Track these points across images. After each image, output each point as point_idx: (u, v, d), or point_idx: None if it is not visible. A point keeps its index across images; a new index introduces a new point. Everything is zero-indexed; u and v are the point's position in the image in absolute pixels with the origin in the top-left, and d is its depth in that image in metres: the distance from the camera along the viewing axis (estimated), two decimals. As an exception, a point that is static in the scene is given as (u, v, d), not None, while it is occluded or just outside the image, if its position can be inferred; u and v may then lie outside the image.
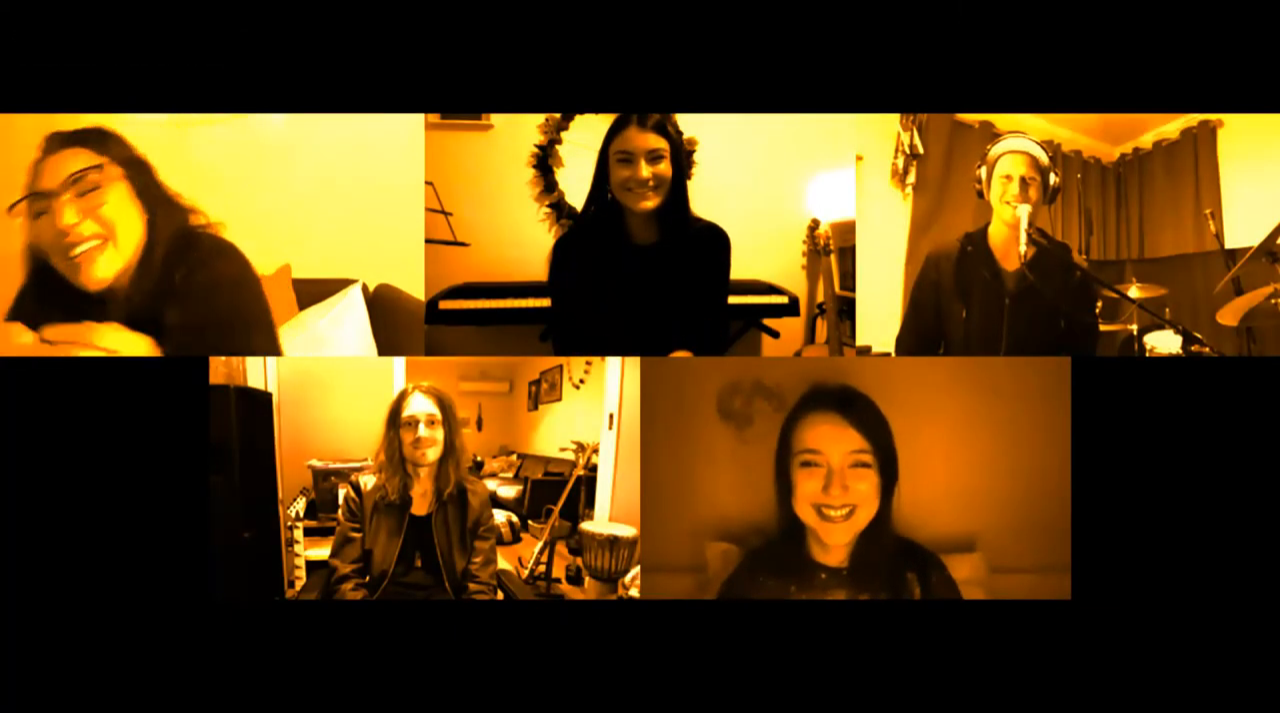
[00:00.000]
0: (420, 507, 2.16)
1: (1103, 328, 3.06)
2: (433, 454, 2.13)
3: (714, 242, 2.14)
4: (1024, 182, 2.14)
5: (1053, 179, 2.18)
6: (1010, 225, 2.17)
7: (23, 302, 1.77)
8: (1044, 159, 2.17)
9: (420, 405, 2.13)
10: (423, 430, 2.11)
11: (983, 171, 2.22)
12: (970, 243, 2.27)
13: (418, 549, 2.14)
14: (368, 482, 2.16)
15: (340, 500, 2.19)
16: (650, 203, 1.99)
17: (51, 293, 1.70)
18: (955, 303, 2.26)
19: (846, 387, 1.77)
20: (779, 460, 1.76)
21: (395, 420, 2.14)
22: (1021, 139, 2.19)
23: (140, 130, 2.50)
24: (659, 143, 1.97)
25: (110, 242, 1.67)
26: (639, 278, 2.05)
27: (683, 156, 2.05)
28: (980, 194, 2.25)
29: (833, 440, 1.70)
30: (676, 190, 2.02)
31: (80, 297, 1.68)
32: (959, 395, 1.93)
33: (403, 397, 2.17)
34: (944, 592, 1.78)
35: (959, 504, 1.91)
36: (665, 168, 1.98)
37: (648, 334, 2.06)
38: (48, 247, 1.66)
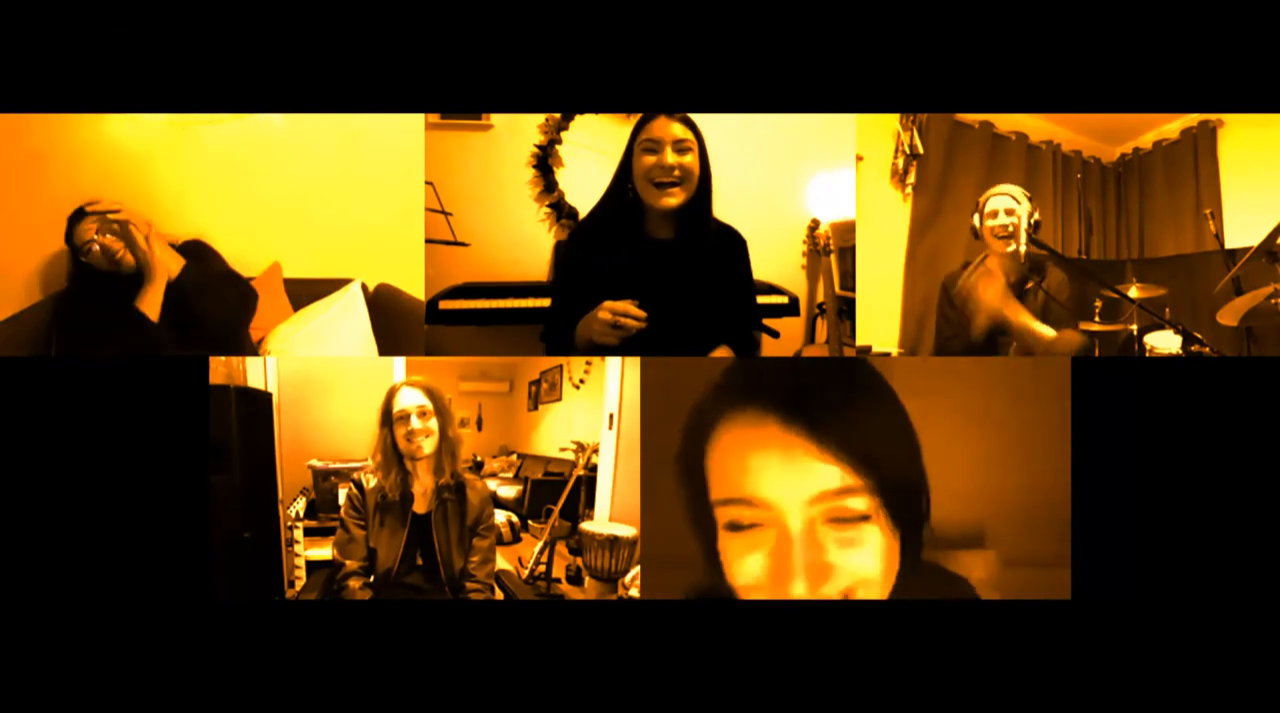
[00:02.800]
0: (421, 504, 2.16)
1: (1103, 328, 3.06)
2: (428, 446, 2.13)
3: (734, 245, 2.13)
4: (1008, 212, 2.45)
5: (1035, 216, 2.46)
6: (1000, 252, 2.48)
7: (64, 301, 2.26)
8: (1024, 199, 2.47)
9: (410, 399, 2.13)
10: (415, 422, 2.11)
11: (976, 218, 2.54)
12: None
13: (418, 548, 2.15)
14: (370, 480, 2.17)
15: (343, 499, 2.20)
16: (674, 200, 1.96)
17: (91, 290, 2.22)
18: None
19: (834, 359, 1.20)
20: (693, 515, 1.09)
21: (387, 418, 2.15)
22: (1006, 194, 2.50)
23: (141, 130, 2.51)
24: (686, 133, 1.95)
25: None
26: (652, 274, 2.00)
27: (708, 158, 2.02)
28: (976, 234, 2.57)
29: (781, 480, 0.94)
30: (702, 190, 1.99)
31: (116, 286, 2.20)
32: (959, 395, 1.93)
33: (391, 394, 2.17)
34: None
35: (959, 505, 1.90)
36: (691, 161, 1.95)
37: (655, 333, 2.02)
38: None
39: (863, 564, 0.97)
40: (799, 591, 0.95)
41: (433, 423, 2.14)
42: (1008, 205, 2.47)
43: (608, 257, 2.03)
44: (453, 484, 2.17)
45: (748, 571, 0.98)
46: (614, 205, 2.05)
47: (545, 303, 3.08)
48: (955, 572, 1.24)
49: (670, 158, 1.94)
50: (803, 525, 0.95)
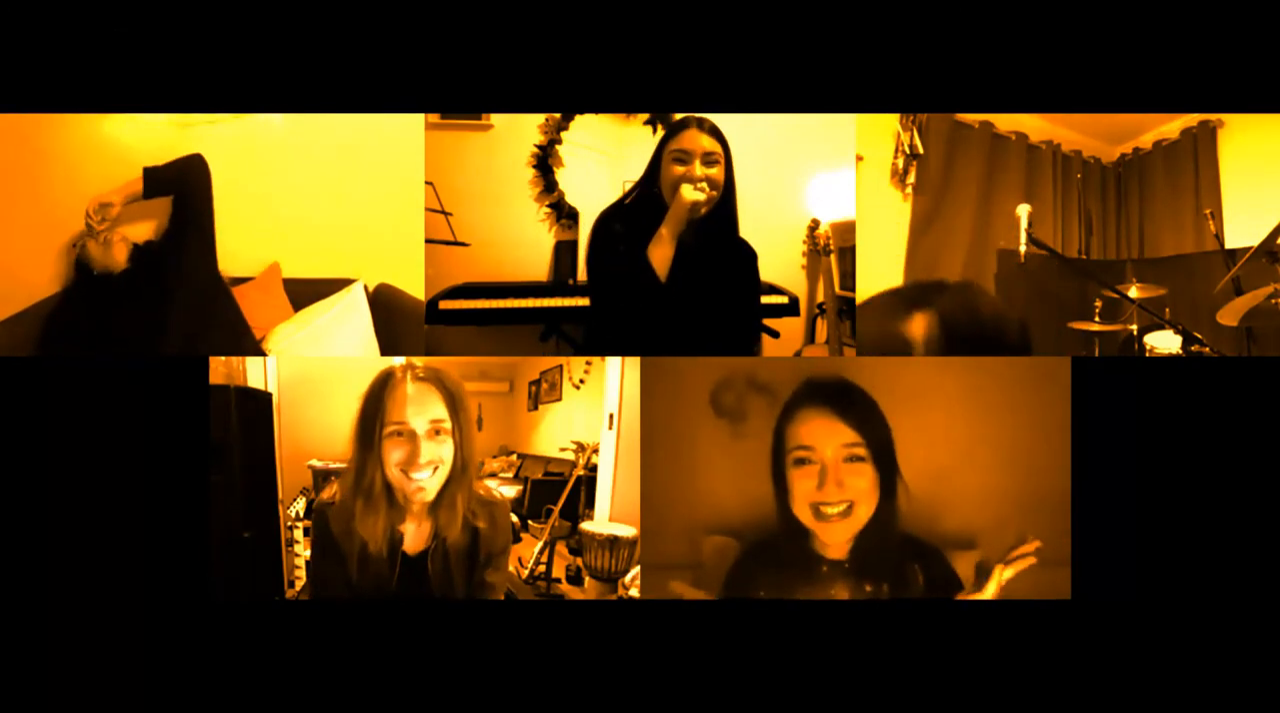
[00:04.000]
0: (414, 544, 1.60)
1: (1103, 328, 3.06)
2: (434, 485, 1.47)
3: (746, 257, 2.15)
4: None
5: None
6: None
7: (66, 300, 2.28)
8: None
9: (418, 406, 1.45)
10: (424, 449, 1.44)
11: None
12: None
13: (411, 592, 1.65)
14: (339, 518, 1.56)
15: (311, 535, 1.66)
16: (699, 209, 1.99)
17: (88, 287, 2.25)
18: None
19: (840, 379, 1.76)
20: (774, 459, 1.75)
21: (373, 428, 1.45)
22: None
23: (141, 130, 2.51)
24: (714, 146, 2.00)
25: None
26: (673, 271, 1.99)
27: (733, 168, 2.05)
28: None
29: (825, 436, 1.68)
30: (725, 198, 2.03)
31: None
32: (959, 395, 1.93)
33: (386, 388, 1.48)
34: (946, 584, 1.77)
35: (959, 503, 1.91)
36: (718, 173, 2.00)
37: (672, 333, 2.04)
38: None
39: (859, 485, 1.67)
40: (830, 494, 1.65)
41: (446, 448, 1.47)
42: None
43: (634, 252, 2.01)
44: (461, 530, 1.57)
45: (804, 487, 1.68)
46: (641, 205, 2.07)
47: (545, 303, 3.10)
48: (932, 545, 1.79)
49: (699, 170, 1.98)
50: (831, 460, 1.67)
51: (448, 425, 1.47)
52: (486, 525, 1.59)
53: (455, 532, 1.54)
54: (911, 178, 3.37)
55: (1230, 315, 2.35)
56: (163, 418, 1.98)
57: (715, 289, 2.07)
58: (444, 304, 3.03)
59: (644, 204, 2.06)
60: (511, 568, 2.63)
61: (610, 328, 2.09)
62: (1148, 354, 2.86)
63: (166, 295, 2.24)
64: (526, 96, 2.14)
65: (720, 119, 2.06)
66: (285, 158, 2.66)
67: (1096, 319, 3.06)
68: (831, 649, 1.94)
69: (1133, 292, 2.96)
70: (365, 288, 2.66)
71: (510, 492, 3.43)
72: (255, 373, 2.37)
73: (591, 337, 2.17)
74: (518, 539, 3.19)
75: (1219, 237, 2.91)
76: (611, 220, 2.12)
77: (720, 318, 2.09)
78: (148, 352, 2.15)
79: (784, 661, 1.95)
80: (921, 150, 3.34)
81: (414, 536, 1.58)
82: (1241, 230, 3.00)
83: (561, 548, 2.79)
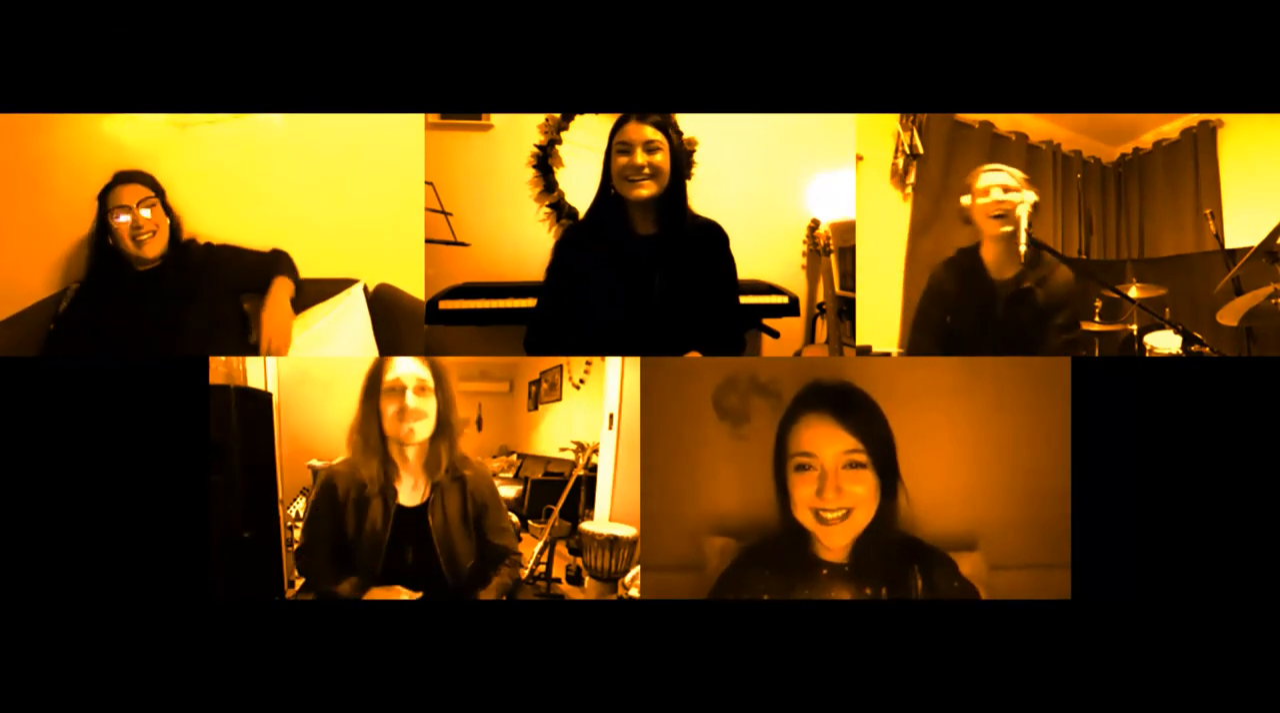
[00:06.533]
0: (410, 498, 1.91)
1: (1103, 328, 3.06)
2: (422, 430, 1.80)
3: (713, 238, 2.17)
4: (1004, 190, 2.20)
5: (1032, 196, 2.19)
6: (996, 238, 2.23)
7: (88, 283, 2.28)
8: (1023, 184, 2.22)
9: (407, 368, 1.80)
10: (410, 399, 1.78)
11: (966, 199, 2.28)
12: (966, 256, 2.35)
13: (410, 544, 1.88)
14: (342, 475, 1.87)
15: (311, 496, 1.91)
16: (645, 191, 2.04)
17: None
18: (954, 308, 2.34)
19: (843, 384, 1.76)
20: (776, 462, 1.76)
21: (374, 388, 1.79)
22: (1000, 170, 2.25)
23: (141, 130, 2.51)
24: (655, 135, 2.04)
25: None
26: (640, 268, 2.08)
27: (681, 156, 2.11)
28: (966, 218, 2.31)
29: (825, 442, 1.69)
30: (674, 184, 2.07)
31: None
32: (959, 395, 1.93)
33: (383, 362, 1.83)
34: (949, 587, 1.77)
35: (959, 503, 1.91)
36: (661, 159, 2.04)
37: (650, 332, 2.06)
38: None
39: (860, 491, 1.69)
40: (829, 500, 1.67)
41: (430, 403, 1.81)
42: (1004, 181, 2.20)
43: (596, 253, 2.10)
44: (448, 480, 1.92)
45: (804, 492, 1.69)
46: (599, 206, 2.13)
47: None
48: (934, 546, 1.79)
49: (640, 158, 2.03)
50: (831, 467, 1.68)
51: (430, 385, 1.80)
52: (472, 473, 1.91)
53: (445, 479, 1.84)
54: (911, 178, 3.37)
55: (1230, 315, 2.35)
56: (163, 418, 1.98)
57: (685, 276, 2.09)
58: (444, 304, 3.04)
59: (602, 203, 2.12)
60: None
61: (555, 329, 2.14)
62: (1148, 354, 2.86)
63: (191, 295, 2.25)
64: (526, 96, 2.15)
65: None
66: (285, 158, 2.66)
67: (1096, 319, 3.06)
68: (831, 649, 1.94)
69: (1133, 292, 2.96)
70: (365, 288, 2.66)
71: (510, 492, 3.43)
72: (255, 373, 2.37)
73: (533, 339, 2.19)
74: (517, 539, 3.19)
75: (1219, 237, 2.91)
76: (576, 232, 2.19)
77: (701, 307, 2.11)
78: (163, 351, 2.13)
79: (784, 660, 1.95)
80: (921, 150, 3.34)
81: (409, 490, 1.87)
82: (1241, 230, 3.00)
83: (561, 548, 2.79)
